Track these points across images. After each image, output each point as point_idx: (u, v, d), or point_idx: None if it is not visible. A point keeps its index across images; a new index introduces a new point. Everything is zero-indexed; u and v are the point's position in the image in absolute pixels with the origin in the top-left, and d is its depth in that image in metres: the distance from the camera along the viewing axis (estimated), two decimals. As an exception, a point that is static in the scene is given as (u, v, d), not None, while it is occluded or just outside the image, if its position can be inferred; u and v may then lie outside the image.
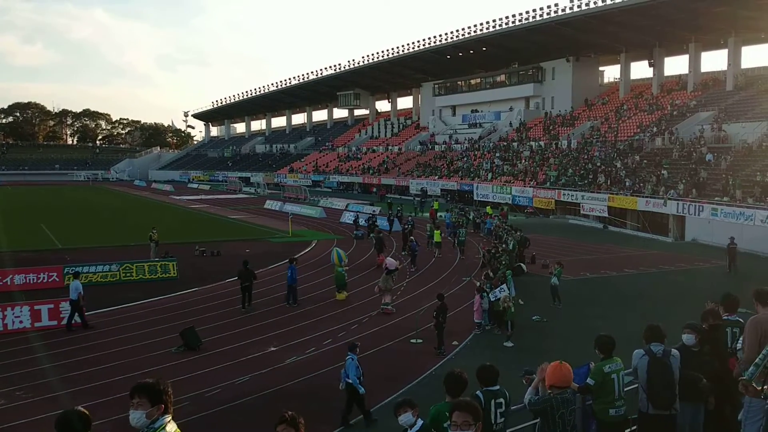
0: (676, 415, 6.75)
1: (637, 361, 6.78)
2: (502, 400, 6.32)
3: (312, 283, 25.47)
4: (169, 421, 4.11)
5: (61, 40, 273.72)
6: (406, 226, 36.70)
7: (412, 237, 32.22)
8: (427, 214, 47.26)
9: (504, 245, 29.63)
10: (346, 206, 55.90)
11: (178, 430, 4.20)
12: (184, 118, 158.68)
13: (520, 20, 62.54)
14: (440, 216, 44.38)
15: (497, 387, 6.36)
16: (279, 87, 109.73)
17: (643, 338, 6.89)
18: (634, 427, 7.20)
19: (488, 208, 49.84)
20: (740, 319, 7.49)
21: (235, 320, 19.80)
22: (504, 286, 19.27)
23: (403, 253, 32.10)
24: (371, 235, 38.85)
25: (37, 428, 11.81)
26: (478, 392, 6.28)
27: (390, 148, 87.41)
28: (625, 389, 7.11)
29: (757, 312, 6.73)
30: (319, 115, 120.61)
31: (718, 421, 7.10)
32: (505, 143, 68.01)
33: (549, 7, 58.92)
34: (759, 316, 6.53)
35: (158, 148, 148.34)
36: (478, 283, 20.26)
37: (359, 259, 31.14)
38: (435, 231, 34.35)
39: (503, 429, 6.37)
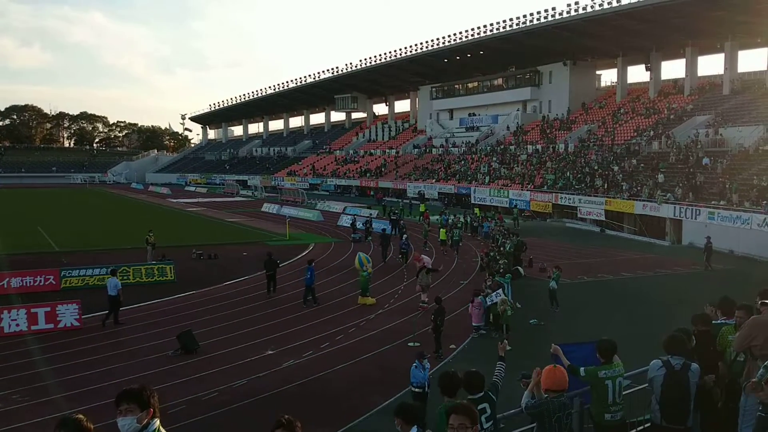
0: (692, 428, 6.63)
1: (654, 373, 6.55)
2: (485, 404, 6.32)
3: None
4: (158, 425, 4.20)
5: (58, 43, 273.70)
6: (402, 230, 37.22)
7: (405, 235, 33.91)
8: (415, 217, 48.11)
9: (501, 248, 29.72)
10: (344, 209, 55.90)
11: None
12: (182, 121, 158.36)
13: (517, 24, 62.75)
14: (436, 219, 44.46)
15: (481, 393, 6.36)
16: (276, 90, 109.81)
17: (663, 347, 6.63)
18: (633, 431, 7.20)
19: (477, 209, 50.50)
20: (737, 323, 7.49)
21: (233, 323, 19.77)
22: (500, 290, 19.28)
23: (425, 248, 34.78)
24: (368, 238, 39.13)
25: (33, 432, 11.78)
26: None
27: (387, 151, 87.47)
28: (625, 392, 7.05)
29: (761, 313, 6.70)
30: (317, 118, 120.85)
31: (711, 421, 7.08)
32: (502, 147, 68.13)
33: (546, 11, 59.25)
34: (761, 317, 6.51)
35: (155, 151, 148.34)
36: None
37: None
38: (441, 230, 36.93)
39: (494, 432, 6.37)
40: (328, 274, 27.73)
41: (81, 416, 3.88)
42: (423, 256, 24.89)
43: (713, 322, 7.53)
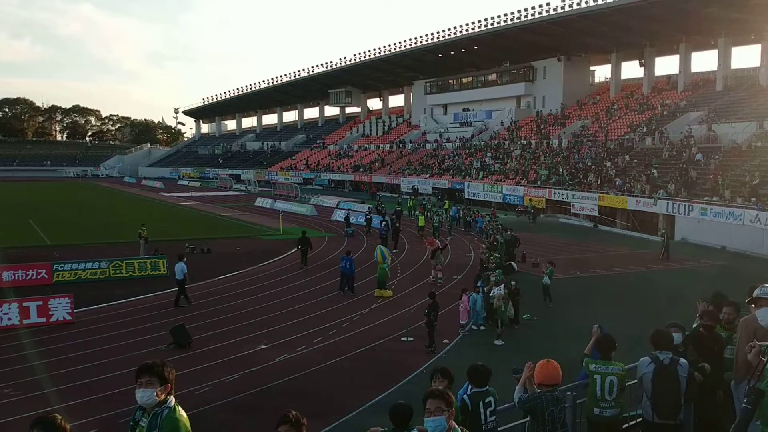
0: (682, 424, 6.62)
1: (644, 370, 6.57)
2: (490, 399, 6.32)
3: (301, 281, 25.42)
4: (175, 402, 4.36)
5: (49, 36, 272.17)
6: (395, 224, 37.38)
7: (384, 222, 35.79)
8: (406, 212, 48.65)
9: (493, 243, 29.73)
10: (337, 204, 55.85)
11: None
12: (175, 115, 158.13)
13: (511, 19, 62.70)
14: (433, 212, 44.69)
15: (486, 387, 6.35)
16: (270, 84, 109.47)
17: (650, 343, 6.67)
18: (628, 424, 7.21)
19: (447, 203, 51.31)
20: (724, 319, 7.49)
21: (226, 318, 19.74)
22: (501, 285, 19.27)
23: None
24: (368, 231, 39.42)
25: (25, 426, 11.70)
26: (465, 396, 6.29)
27: (381, 146, 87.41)
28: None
29: (751, 312, 6.73)
30: (311, 113, 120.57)
31: (707, 421, 7.11)
32: (496, 142, 68.16)
33: (541, 6, 59.15)
34: (748, 318, 6.53)
35: (148, 145, 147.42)
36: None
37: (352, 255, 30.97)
38: (420, 216, 40.47)
39: (495, 428, 6.37)
40: (321, 269, 27.71)
41: (56, 415, 3.89)
42: (434, 239, 26.06)
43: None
